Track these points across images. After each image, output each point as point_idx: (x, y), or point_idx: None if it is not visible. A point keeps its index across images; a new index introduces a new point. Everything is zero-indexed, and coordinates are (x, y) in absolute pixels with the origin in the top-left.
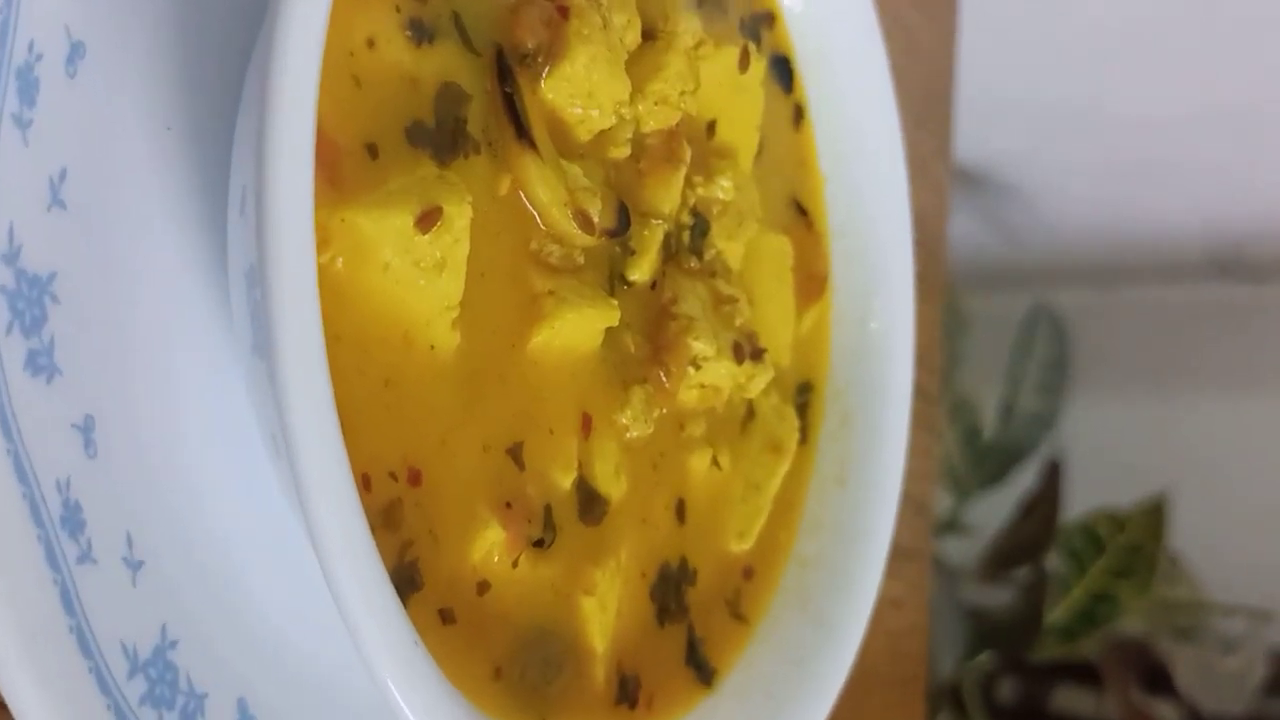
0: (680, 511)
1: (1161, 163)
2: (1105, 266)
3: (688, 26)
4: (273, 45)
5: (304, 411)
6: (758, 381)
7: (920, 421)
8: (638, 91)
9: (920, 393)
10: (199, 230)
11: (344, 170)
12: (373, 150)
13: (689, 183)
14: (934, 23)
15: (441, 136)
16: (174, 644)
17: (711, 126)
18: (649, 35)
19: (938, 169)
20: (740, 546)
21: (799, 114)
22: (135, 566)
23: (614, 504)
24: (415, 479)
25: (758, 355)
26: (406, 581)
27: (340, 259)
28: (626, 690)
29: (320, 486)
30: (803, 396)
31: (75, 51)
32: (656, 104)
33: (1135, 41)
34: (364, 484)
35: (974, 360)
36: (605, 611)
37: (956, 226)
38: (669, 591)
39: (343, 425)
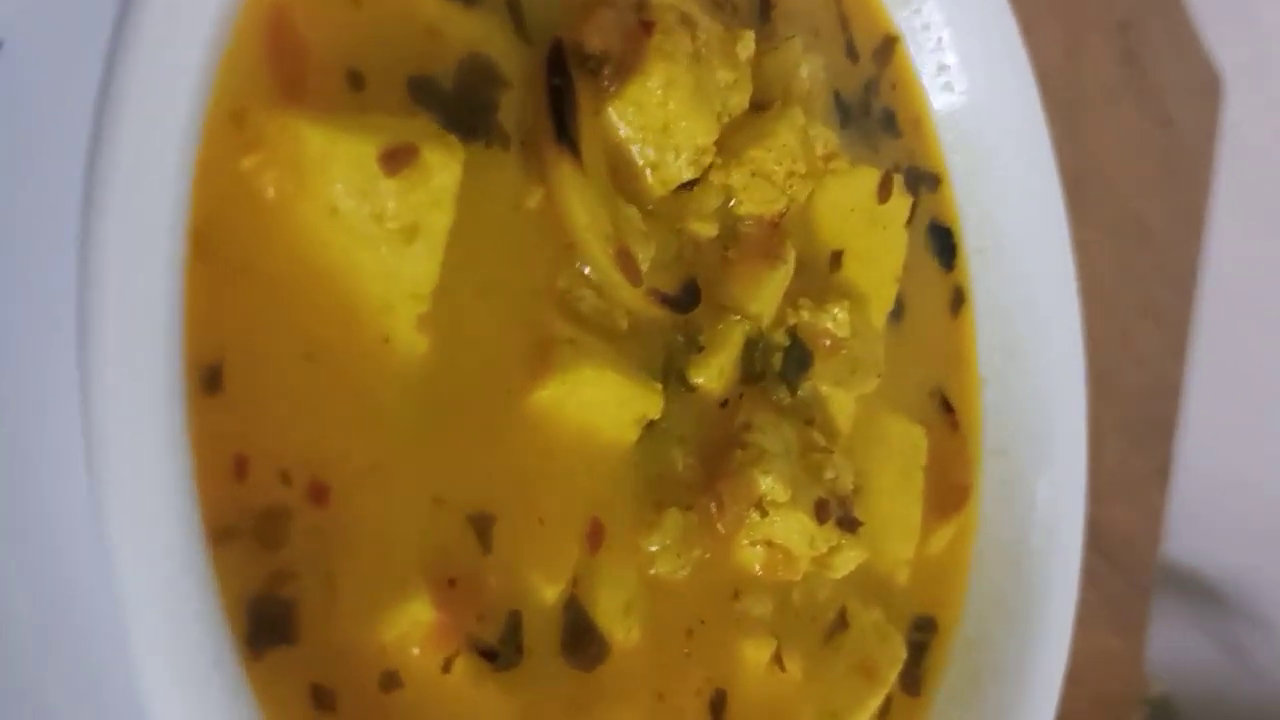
0: (717, 708)
1: None
2: None
3: (819, 133)
4: None
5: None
6: (845, 558)
7: None
8: (733, 157)
9: None
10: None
11: (309, 81)
12: (356, 80)
13: (793, 302)
14: (1161, 330)
15: (460, 109)
16: None
17: (837, 258)
18: (760, 108)
19: (1154, 495)
20: None
21: (959, 299)
22: None
23: (617, 652)
24: (319, 496)
25: (850, 525)
26: (270, 624)
27: (271, 175)
28: None
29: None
30: (922, 634)
31: None
32: (754, 176)
33: None
34: (236, 467)
35: None
36: None
37: (1177, 643)
38: None
39: (227, 388)
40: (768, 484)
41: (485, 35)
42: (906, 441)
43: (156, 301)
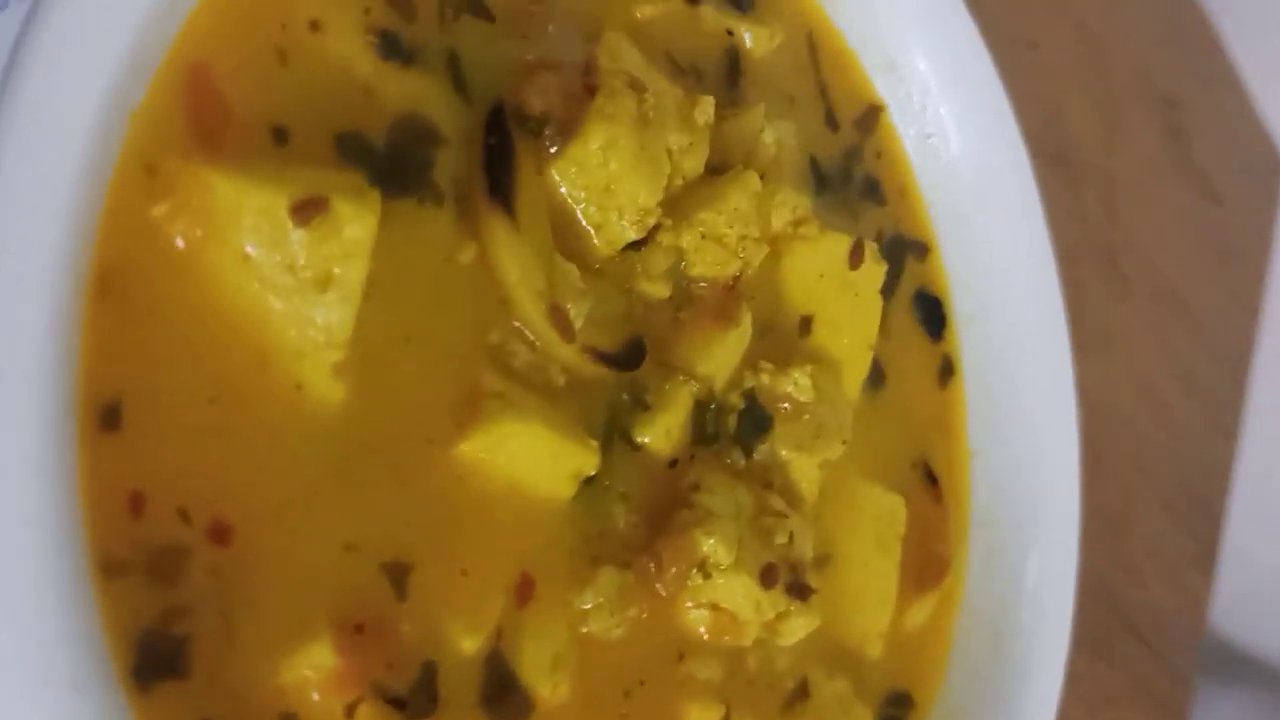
0: None
1: None
2: None
3: (787, 199)
4: None
5: None
6: (794, 625)
7: None
8: (683, 219)
9: None
10: None
11: (229, 134)
12: (281, 134)
13: (752, 365)
14: (1207, 411)
15: (391, 165)
16: None
17: (807, 323)
18: (718, 171)
19: (1196, 578)
20: None
21: (948, 369)
22: None
23: (543, 708)
24: (222, 536)
25: (800, 591)
26: (159, 658)
27: (181, 223)
28: None
29: None
30: (898, 709)
31: None
32: (704, 238)
33: None
34: (132, 503)
35: None
36: None
37: None
38: None
39: (126, 426)
40: (709, 545)
41: (423, 94)
42: (883, 510)
43: (40, 338)
